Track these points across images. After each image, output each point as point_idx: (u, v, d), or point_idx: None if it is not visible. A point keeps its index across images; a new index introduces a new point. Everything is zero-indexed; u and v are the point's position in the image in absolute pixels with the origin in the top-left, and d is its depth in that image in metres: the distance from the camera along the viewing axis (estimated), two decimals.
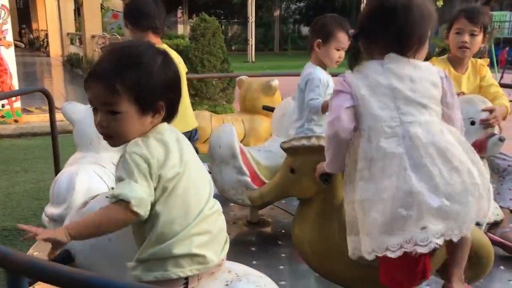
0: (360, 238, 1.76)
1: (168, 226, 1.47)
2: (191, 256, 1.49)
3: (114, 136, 1.50)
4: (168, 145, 1.49)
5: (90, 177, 2.71)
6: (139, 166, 1.41)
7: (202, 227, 1.52)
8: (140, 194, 1.38)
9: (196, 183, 1.55)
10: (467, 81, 3.42)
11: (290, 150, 2.00)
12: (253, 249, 3.12)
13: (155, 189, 1.45)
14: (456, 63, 3.41)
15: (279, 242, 3.32)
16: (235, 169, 3.20)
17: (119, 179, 1.43)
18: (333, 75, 2.95)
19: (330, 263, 2.06)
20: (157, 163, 1.44)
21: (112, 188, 1.53)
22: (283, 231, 3.49)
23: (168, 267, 1.47)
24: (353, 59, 2.74)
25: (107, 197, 1.69)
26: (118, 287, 1.03)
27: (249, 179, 3.25)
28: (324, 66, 2.94)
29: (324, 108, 2.76)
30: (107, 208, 1.41)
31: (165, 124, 1.55)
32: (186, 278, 1.50)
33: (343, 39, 2.87)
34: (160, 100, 1.49)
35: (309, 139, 1.97)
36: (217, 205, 1.61)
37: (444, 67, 3.49)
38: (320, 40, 2.85)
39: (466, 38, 2.99)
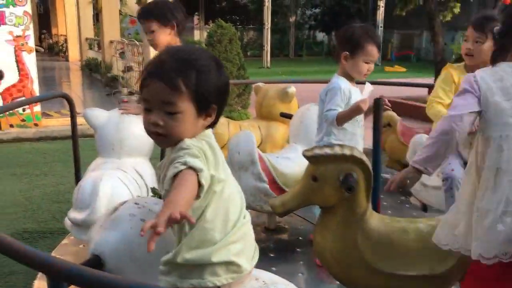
0: (463, 235, 1.79)
1: (211, 232, 1.48)
2: (228, 264, 1.50)
3: (168, 135, 1.47)
4: (216, 150, 1.51)
5: (114, 183, 2.75)
6: (198, 154, 1.42)
7: (239, 235, 1.54)
8: (205, 169, 1.39)
9: (234, 190, 1.57)
10: None
11: (312, 159, 2.01)
12: (271, 255, 3.12)
13: (206, 191, 1.44)
14: (471, 70, 3.41)
15: (298, 249, 3.32)
16: (254, 175, 3.21)
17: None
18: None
19: (351, 271, 2.06)
20: (211, 161, 1.46)
21: (138, 196, 1.55)
22: (300, 238, 3.49)
23: (205, 275, 1.48)
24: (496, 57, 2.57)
25: (136, 203, 1.72)
26: None
27: (267, 186, 3.26)
28: (351, 78, 2.83)
29: (340, 119, 2.66)
30: (185, 175, 1.35)
31: (210, 130, 1.57)
32: (219, 287, 1.51)
33: (372, 52, 2.75)
34: (213, 103, 1.51)
35: (332, 148, 1.98)
36: (248, 213, 1.63)
37: (460, 74, 3.50)
38: (347, 53, 2.74)
39: (470, 45, 2.99)
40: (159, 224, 1.20)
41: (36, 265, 1.24)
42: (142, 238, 1.53)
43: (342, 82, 2.76)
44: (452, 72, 3.25)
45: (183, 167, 1.35)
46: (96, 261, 1.63)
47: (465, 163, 2.56)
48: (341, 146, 2.00)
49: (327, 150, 1.97)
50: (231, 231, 1.51)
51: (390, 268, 2.00)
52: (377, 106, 3.65)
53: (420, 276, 2.02)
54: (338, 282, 2.56)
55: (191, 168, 1.35)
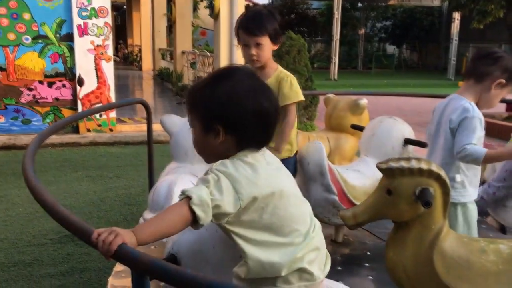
0: None
1: (278, 254, 1.49)
2: (301, 272, 1.50)
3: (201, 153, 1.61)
4: (255, 166, 1.50)
5: (187, 186, 2.82)
6: (218, 181, 1.43)
7: (312, 244, 1.54)
8: (204, 195, 1.38)
9: (293, 198, 1.55)
10: None
11: (387, 171, 1.97)
12: (339, 268, 3.08)
13: (247, 208, 1.45)
14: None
15: (366, 264, 3.26)
16: (323, 186, 3.19)
17: None
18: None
19: None
20: (246, 180, 1.45)
21: None
22: (368, 253, 3.42)
23: (278, 283, 1.50)
24: None
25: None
26: None
27: (336, 198, 3.23)
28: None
29: (488, 160, 2.36)
30: (171, 205, 1.45)
31: (253, 150, 1.55)
32: None
33: None
34: (218, 124, 1.50)
35: (409, 161, 1.92)
36: (318, 221, 1.62)
37: None
38: (503, 81, 2.47)
39: None
40: (107, 243, 1.27)
41: (122, 259, 1.29)
42: (216, 240, 1.56)
43: (479, 113, 2.45)
44: None
45: (182, 196, 1.42)
46: (172, 260, 1.68)
47: None
48: (417, 159, 1.94)
49: (403, 163, 1.92)
50: (303, 242, 1.52)
51: None
52: None
53: None
54: None
55: (187, 196, 1.39)
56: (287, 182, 1.58)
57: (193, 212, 1.37)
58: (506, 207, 3.44)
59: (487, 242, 2.07)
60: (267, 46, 2.72)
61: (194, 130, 1.57)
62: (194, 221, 1.39)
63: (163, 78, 16.57)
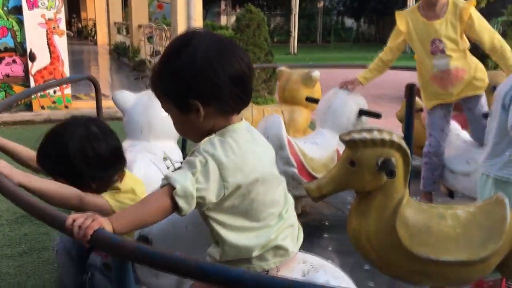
0: None
1: (254, 240, 1.46)
2: (276, 249, 1.49)
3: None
4: (243, 148, 1.43)
5: (147, 165, 2.75)
6: (206, 165, 1.35)
7: (286, 223, 1.53)
8: (189, 186, 1.31)
9: (273, 183, 1.51)
10: (445, 28, 3.32)
11: (350, 143, 1.98)
12: None
13: (230, 195, 1.39)
14: (427, 9, 3.35)
15: (325, 235, 3.31)
16: (282, 160, 3.20)
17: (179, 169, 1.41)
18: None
19: (388, 256, 2.04)
20: (233, 166, 1.38)
21: None
22: (326, 223, 3.48)
23: (254, 261, 1.48)
24: None
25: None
26: (232, 275, 1.03)
27: (296, 171, 3.26)
28: None
29: None
30: (152, 193, 1.36)
31: (242, 124, 1.49)
32: (267, 271, 1.50)
33: None
34: (190, 99, 1.40)
35: (371, 132, 1.94)
36: (290, 197, 1.61)
37: (411, 16, 3.42)
38: None
39: None
40: (83, 228, 1.21)
41: (101, 244, 1.23)
42: (188, 221, 1.53)
43: None
44: (401, 18, 3.50)
45: (163, 182, 1.34)
46: (144, 242, 1.64)
47: None
48: (379, 130, 1.96)
49: (366, 135, 1.93)
50: (278, 223, 1.50)
51: (427, 254, 1.97)
52: (410, 92, 3.61)
53: (458, 262, 1.99)
54: (370, 268, 2.56)
55: (170, 184, 1.31)
56: (270, 165, 1.53)
57: (175, 203, 1.31)
58: (454, 173, 3.56)
59: (445, 208, 2.14)
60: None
61: (172, 115, 1.46)
62: (175, 210, 1.33)
63: (119, 53, 16.12)
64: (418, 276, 2.08)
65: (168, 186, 1.32)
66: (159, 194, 1.32)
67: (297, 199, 3.45)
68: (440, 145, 3.54)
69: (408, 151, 2.00)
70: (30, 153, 1.99)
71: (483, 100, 3.49)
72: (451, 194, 3.77)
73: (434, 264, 1.98)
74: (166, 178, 1.34)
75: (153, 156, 2.90)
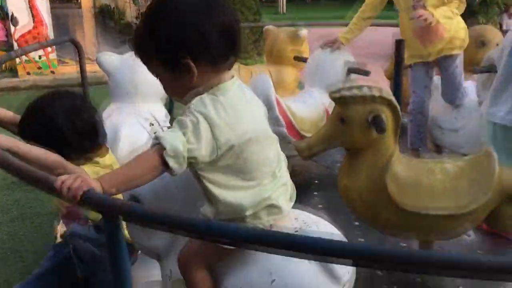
0: None
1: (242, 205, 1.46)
2: (270, 207, 1.50)
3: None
4: (235, 107, 1.41)
5: (134, 128, 2.72)
6: (197, 124, 1.33)
7: (280, 182, 1.53)
8: (180, 146, 1.29)
9: (266, 142, 1.51)
10: None
11: (340, 100, 1.97)
12: None
13: (223, 155, 1.38)
14: None
15: (314, 193, 3.34)
16: (271, 119, 3.17)
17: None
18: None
19: (379, 212, 2.07)
20: (225, 125, 1.36)
21: None
22: (316, 181, 3.49)
23: (247, 220, 1.48)
24: None
25: None
26: (230, 231, 1.03)
27: (285, 130, 3.24)
28: None
29: None
30: (142, 153, 1.34)
31: (234, 82, 1.47)
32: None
33: None
34: (180, 56, 1.37)
35: (361, 89, 1.92)
36: (283, 155, 1.61)
37: None
38: None
39: None
40: (73, 189, 1.21)
41: (92, 204, 1.23)
42: (179, 180, 1.52)
43: None
44: None
45: (153, 141, 1.32)
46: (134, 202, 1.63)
47: None
48: (369, 87, 1.94)
49: (355, 91, 1.92)
50: (272, 183, 1.50)
51: (417, 208, 2.00)
52: (399, 48, 3.58)
53: (447, 216, 2.02)
54: (360, 224, 2.59)
55: (160, 144, 1.30)
56: (263, 123, 1.53)
57: (166, 162, 1.29)
58: (442, 129, 3.58)
59: (434, 163, 2.16)
60: None
61: (162, 79, 1.44)
62: (167, 170, 1.32)
63: (104, 16, 15.75)
64: (408, 231, 2.11)
65: (159, 146, 1.30)
66: (149, 154, 1.31)
67: (287, 159, 3.47)
68: (423, 101, 3.53)
69: (398, 107, 1.99)
70: (13, 117, 1.99)
71: (459, 60, 3.46)
72: (438, 150, 3.80)
73: (424, 218, 2.01)
74: (156, 138, 1.32)
75: (141, 119, 2.87)
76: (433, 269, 0.91)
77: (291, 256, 1.03)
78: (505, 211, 2.09)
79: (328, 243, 0.93)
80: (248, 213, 1.46)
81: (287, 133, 3.25)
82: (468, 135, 3.32)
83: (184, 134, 1.32)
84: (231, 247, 1.45)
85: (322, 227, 1.57)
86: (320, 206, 3.14)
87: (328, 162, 3.77)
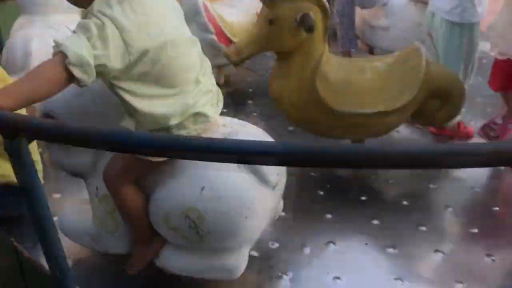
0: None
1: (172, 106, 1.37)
2: (196, 116, 1.42)
3: None
4: (146, 7, 1.28)
5: (47, 41, 2.51)
6: (103, 28, 1.19)
7: (204, 88, 1.44)
8: (84, 53, 1.16)
9: (185, 46, 1.39)
10: None
11: (268, 1, 1.88)
12: (224, 110, 3.10)
13: (137, 61, 1.26)
14: None
15: (249, 101, 3.31)
16: (199, 26, 3.04)
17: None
18: None
19: (311, 114, 2.06)
20: (136, 28, 1.23)
21: None
22: (250, 90, 3.46)
23: (173, 130, 1.40)
24: None
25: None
26: (136, 139, 0.96)
27: (214, 37, 3.12)
28: None
29: None
30: (42, 62, 1.19)
31: None
32: None
33: None
34: None
35: None
36: (207, 60, 1.51)
37: None
38: None
39: None
40: None
41: None
42: (95, 93, 1.40)
43: None
44: None
45: (56, 50, 1.17)
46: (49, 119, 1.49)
47: None
48: None
49: None
50: (195, 89, 1.41)
51: (348, 108, 2.01)
52: None
53: (376, 113, 2.05)
54: (293, 129, 2.61)
55: (62, 52, 1.15)
56: (179, 26, 1.40)
57: (70, 73, 1.15)
58: (373, 28, 3.57)
59: (365, 61, 2.16)
60: None
61: None
62: (73, 80, 1.17)
63: None
64: (339, 131, 2.14)
65: (60, 54, 1.15)
66: (51, 64, 1.17)
67: (219, 68, 3.36)
68: (348, 2, 3.49)
69: (327, 6, 1.94)
70: None
71: None
72: (370, 50, 3.81)
73: (354, 117, 2.03)
74: (57, 45, 1.17)
75: (54, 32, 2.63)
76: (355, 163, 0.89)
77: (212, 161, 0.97)
78: (432, 105, 2.15)
79: (247, 143, 0.90)
80: (172, 122, 1.38)
81: (217, 40, 3.13)
82: (399, 32, 3.33)
83: (89, 39, 1.17)
84: (158, 160, 1.39)
85: (250, 131, 1.54)
86: (255, 114, 3.13)
87: (262, 70, 3.72)
